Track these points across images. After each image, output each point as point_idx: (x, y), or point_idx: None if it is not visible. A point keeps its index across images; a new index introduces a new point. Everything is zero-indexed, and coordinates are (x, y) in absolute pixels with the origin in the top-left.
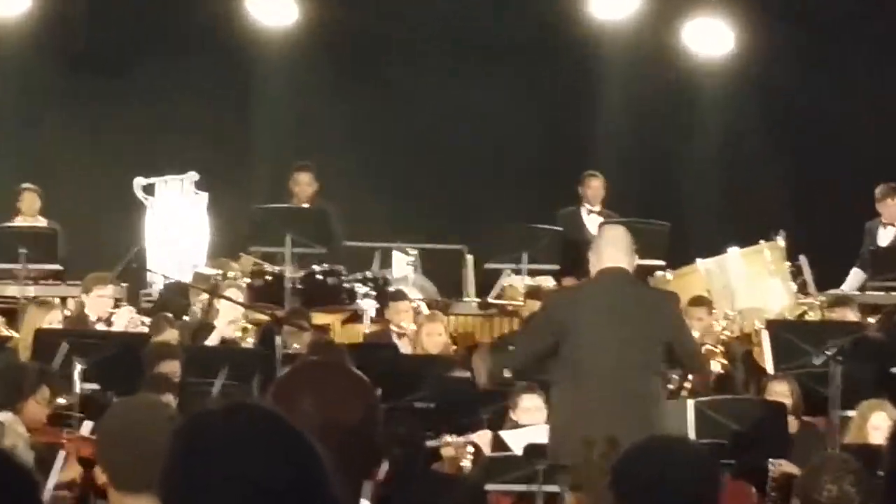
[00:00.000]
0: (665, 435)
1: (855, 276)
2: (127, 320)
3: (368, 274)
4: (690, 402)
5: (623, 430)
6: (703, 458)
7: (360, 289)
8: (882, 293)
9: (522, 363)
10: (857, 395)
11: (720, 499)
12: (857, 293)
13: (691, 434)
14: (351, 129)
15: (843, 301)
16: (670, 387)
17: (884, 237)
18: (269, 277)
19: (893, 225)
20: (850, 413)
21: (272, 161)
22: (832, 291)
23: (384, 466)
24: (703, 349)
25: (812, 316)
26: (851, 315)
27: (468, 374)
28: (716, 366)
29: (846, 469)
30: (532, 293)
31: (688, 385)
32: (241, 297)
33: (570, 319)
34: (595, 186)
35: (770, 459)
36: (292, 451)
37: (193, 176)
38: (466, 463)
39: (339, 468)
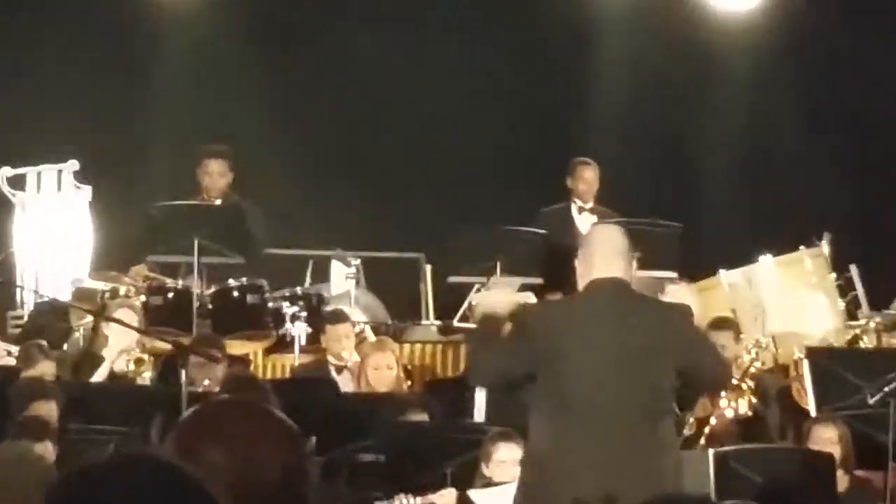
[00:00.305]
0: (680, 493)
1: None
2: None
3: (299, 290)
4: (711, 452)
5: (623, 487)
6: None
7: (289, 309)
8: None
9: (488, 382)
10: None
11: None
12: None
13: (712, 492)
14: (277, 108)
15: None
16: (686, 432)
17: None
18: (170, 295)
19: None
20: None
21: (174, 146)
22: (893, 311)
23: None
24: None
25: (867, 342)
26: None
27: (426, 418)
28: (743, 406)
29: None
30: (510, 314)
31: (707, 430)
32: (135, 321)
33: (555, 344)
34: (588, 178)
35: None
36: None
37: (73, 165)
38: None
39: None
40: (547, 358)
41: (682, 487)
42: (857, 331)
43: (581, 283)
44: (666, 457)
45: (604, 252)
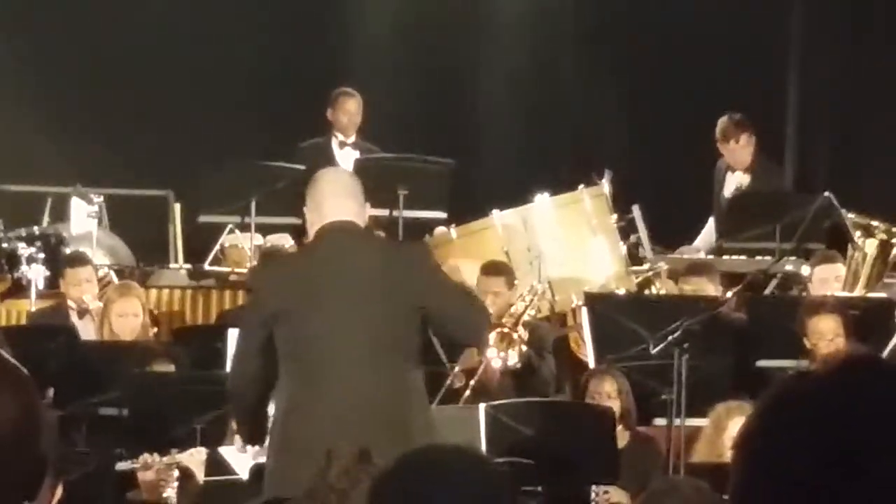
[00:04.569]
0: (442, 444)
1: (711, 230)
2: None
3: (36, 230)
4: (482, 407)
5: (372, 442)
6: (494, 478)
7: (25, 250)
8: (744, 258)
9: (241, 384)
10: (709, 397)
11: None
12: (714, 257)
13: (483, 450)
14: (7, 30)
15: (699, 268)
16: (457, 383)
17: (729, 184)
18: None
19: (741, 171)
20: (701, 421)
21: None
22: (682, 254)
23: (59, 492)
24: (498, 331)
25: (659, 288)
26: (710, 287)
27: (170, 368)
28: (514, 356)
29: (700, 500)
30: (268, 257)
31: (472, 382)
32: None
33: (285, 302)
34: (350, 110)
35: (593, 487)
36: None
37: None
38: (171, 492)
39: None
40: (279, 318)
41: (434, 436)
42: (650, 274)
43: (312, 231)
44: (415, 408)
45: (333, 195)
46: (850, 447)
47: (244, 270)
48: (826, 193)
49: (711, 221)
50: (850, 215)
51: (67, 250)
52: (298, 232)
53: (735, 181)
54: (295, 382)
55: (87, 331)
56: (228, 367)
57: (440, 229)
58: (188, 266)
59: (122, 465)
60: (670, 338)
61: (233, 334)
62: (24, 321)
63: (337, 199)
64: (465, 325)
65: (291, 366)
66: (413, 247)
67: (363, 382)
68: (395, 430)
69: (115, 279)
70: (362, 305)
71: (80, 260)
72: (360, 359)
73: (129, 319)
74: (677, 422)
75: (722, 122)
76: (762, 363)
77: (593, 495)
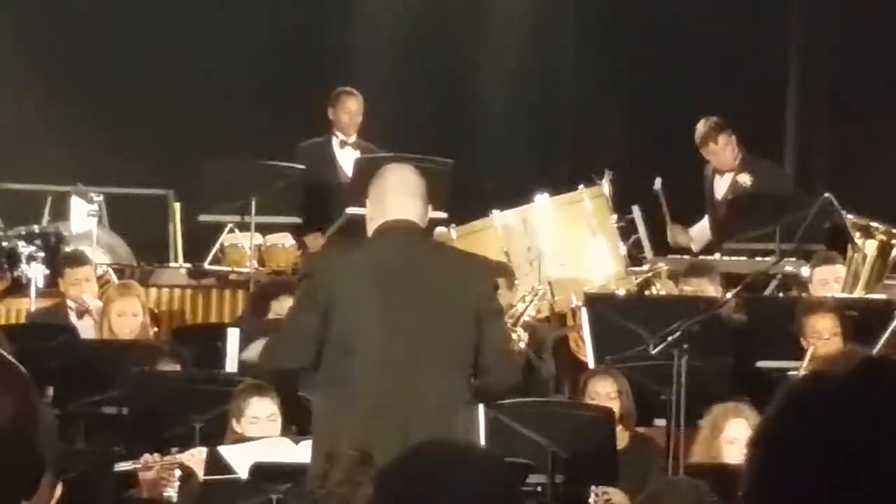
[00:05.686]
0: (447, 439)
1: (705, 225)
2: None
3: (36, 228)
4: (481, 406)
5: (408, 442)
6: (500, 473)
7: (25, 249)
8: (744, 259)
9: (292, 356)
10: (708, 398)
11: None
12: (715, 258)
13: None
14: (7, 28)
15: (699, 269)
16: None
17: (719, 188)
18: None
19: (728, 172)
20: (699, 422)
21: None
22: (684, 255)
23: (58, 490)
24: None
25: (659, 288)
26: (710, 288)
27: (176, 368)
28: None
29: (697, 500)
30: (328, 246)
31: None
32: None
33: (339, 292)
34: (351, 109)
35: (592, 487)
36: None
37: None
38: (172, 491)
39: None
40: (330, 307)
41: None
42: (649, 275)
43: (371, 227)
44: (459, 417)
45: (398, 194)
46: (855, 449)
47: (244, 270)
48: (826, 194)
49: (706, 219)
50: (850, 216)
51: (67, 249)
52: (298, 231)
53: (725, 184)
54: (338, 375)
55: (86, 330)
56: (228, 367)
57: (440, 229)
58: (188, 265)
59: (122, 466)
60: (670, 338)
61: (233, 333)
62: (23, 320)
63: (401, 196)
64: (498, 369)
65: (336, 358)
66: (483, 262)
67: (406, 383)
68: (435, 434)
69: (115, 278)
70: (416, 306)
71: (78, 259)
72: (407, 360)
73: (129, 319)
74: (677, 422)
75: (698, 128)
76: (762, 364)
77: (592, 496)
